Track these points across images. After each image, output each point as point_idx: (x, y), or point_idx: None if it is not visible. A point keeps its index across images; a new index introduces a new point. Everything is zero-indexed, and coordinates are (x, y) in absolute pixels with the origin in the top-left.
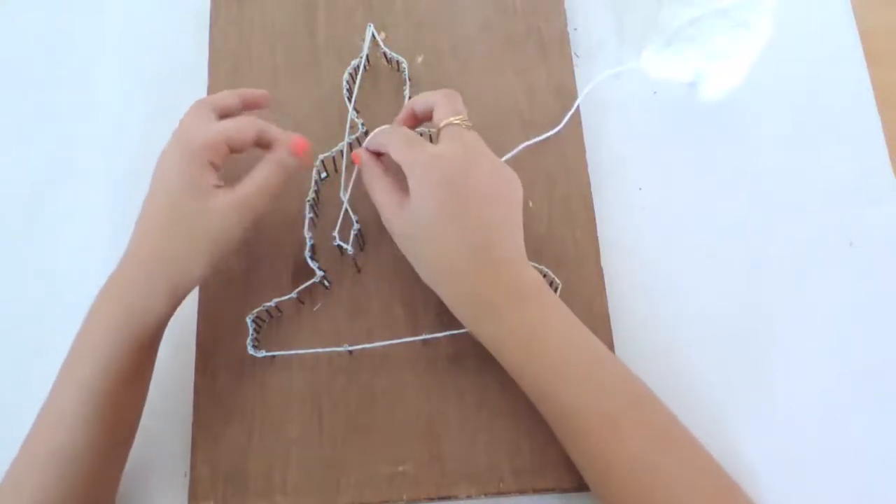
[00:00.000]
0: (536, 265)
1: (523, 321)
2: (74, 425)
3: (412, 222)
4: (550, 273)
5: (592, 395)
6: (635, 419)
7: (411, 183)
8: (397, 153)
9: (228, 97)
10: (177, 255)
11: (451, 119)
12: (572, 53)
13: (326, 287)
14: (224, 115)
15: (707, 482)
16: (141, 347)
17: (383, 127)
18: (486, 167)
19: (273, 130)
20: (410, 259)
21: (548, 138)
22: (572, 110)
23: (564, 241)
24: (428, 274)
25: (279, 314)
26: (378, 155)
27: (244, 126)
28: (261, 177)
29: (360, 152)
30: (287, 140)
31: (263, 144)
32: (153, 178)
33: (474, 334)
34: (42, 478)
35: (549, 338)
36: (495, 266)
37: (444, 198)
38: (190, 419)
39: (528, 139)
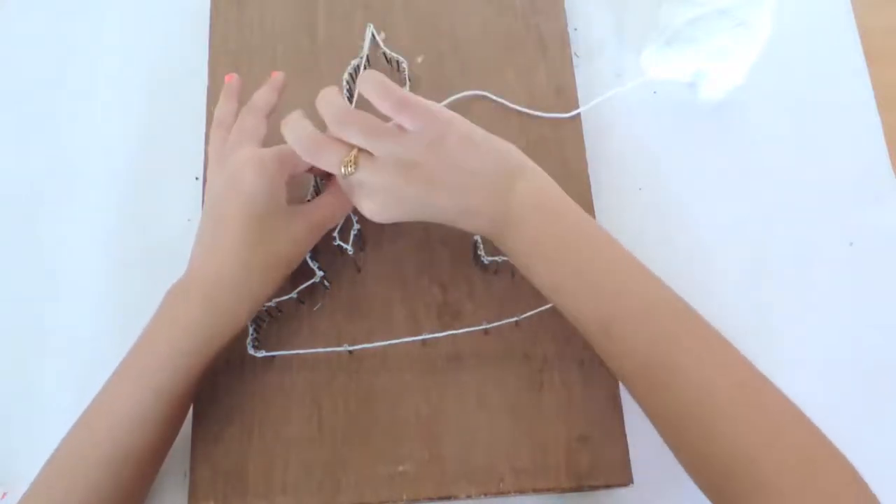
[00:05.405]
0: None
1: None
2: (142, 429)
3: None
4: None
5: (602, 300)
6: (654, 321)
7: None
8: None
9: (268, 93)
10: (261, 268)
11: None
12: (572, 53)
13: (326, 287)
14: (270, 112)
15: (730, 377)
16: (217, 356)
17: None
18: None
19: None
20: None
21: (547, 139)
22: (571, 114)
23: None
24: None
25: (279, 314)
26: None
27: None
28: (329, 203)
29: None
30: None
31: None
32: (222, 192)
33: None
34: (95, 478)
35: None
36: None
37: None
38: (190, 419)
39: (528, 139)
